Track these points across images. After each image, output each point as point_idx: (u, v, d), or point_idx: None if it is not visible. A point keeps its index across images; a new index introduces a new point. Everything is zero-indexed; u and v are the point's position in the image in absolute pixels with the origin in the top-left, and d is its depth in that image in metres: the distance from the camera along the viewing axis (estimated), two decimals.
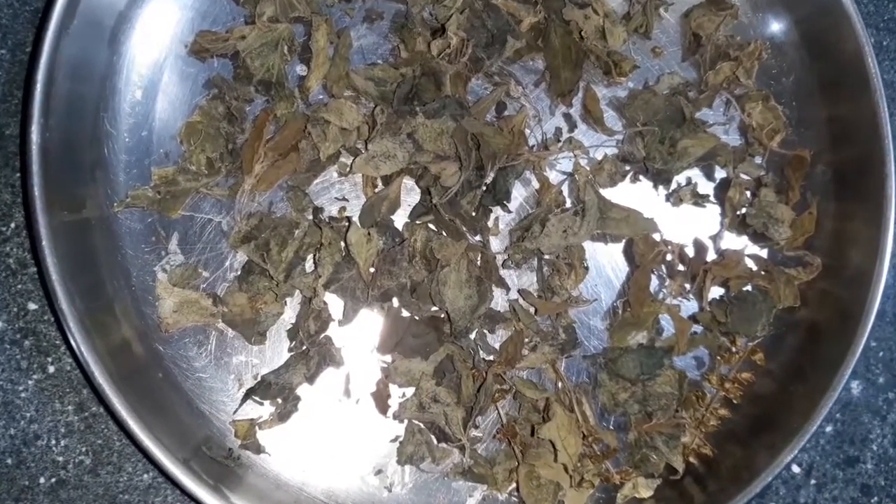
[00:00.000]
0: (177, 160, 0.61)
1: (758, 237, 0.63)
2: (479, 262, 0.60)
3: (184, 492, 0.55)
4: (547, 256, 0.61)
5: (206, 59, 0.62)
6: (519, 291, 0.62)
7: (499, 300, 0.62)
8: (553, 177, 0.63)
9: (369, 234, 0.59)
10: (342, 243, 0.60)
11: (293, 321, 0.61)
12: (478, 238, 0.61)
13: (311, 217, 0.61)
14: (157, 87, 0.62)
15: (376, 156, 0.59)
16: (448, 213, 0.60)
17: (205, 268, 0.61)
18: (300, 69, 0.63)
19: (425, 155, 0.59)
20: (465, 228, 0.60)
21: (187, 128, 0.60)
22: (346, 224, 0.60)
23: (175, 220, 0.61)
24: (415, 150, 0.59)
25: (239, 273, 0.61)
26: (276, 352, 0.61)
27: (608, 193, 0.62)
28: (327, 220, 0.61)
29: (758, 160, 0.64)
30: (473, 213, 0.61)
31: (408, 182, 0.62)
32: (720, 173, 0.64)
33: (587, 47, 0.63)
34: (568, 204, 0.62)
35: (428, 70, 0.61)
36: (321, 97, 0.63)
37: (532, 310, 0.61)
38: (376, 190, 0.62)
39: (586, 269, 0.61)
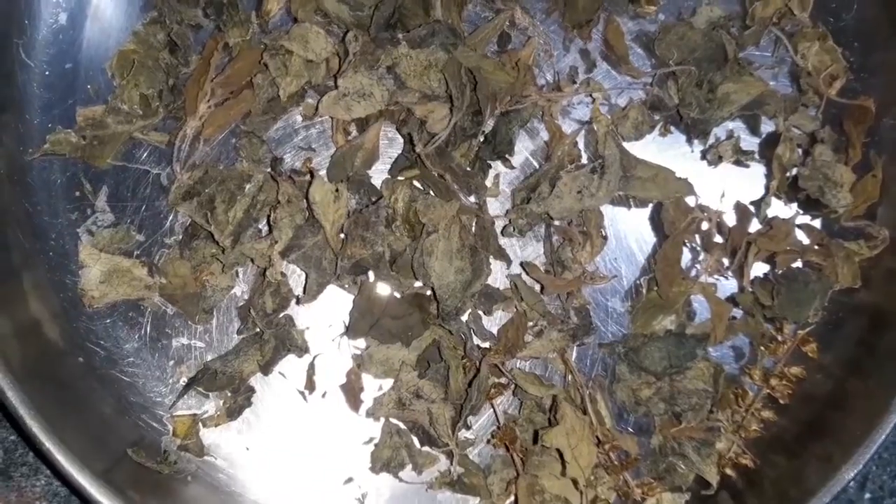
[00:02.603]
0: (108, 99, 0.56)
1: (811, 204, 0.57)
2: (473, 229, 0.54)
3: None
4: (557, 223, 0.56)
5: None
6: (522, 265, 0.56)
7: (497, 275, 0.56)
8: (566, 126, 0.57)
9: (338, 190, 0.52)
10: (304, 202, 0.53)
11: (246, 297, 0.56)
12: (472, 199, 0.55)
13: (268, 169, 0.55)
14: (86, 9, 0.57)
15: (348, 94, 0.53)
16: (436, 167, 0.53)
17: (139, 230, 0.56)
18: None
19: (409, 94, 0.53)
20: (456, 186, 0.54)
21: (119, 58, 0.56)
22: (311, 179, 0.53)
23: (104, 172, 0.56)
24: (396, 88, 0.53)
25: (181, 237, 0.56)
26: (224, 333, 0.57)
27: (633, 148, 0.57)
28: (288, 173, 0.55)
29: (812, 111, 0.58)
30: (468, 168, 0.55)
31: (390, 131, 0.56)
32: (767, 126, 0.58)
33: None
34: (584, 159, 0.57)
35: None
36: (283, 23, 0.57)
37: (538, 287, 0.56)
38: (349, 138, 0.55)
39: (605, 238, 0.56)
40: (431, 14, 0.53)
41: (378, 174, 0.56)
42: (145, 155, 0.56)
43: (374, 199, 0.53)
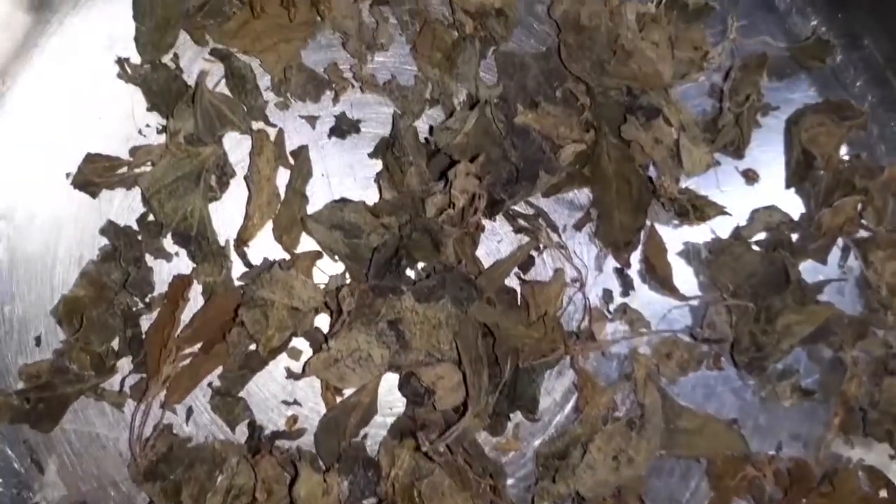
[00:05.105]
0: (59, 346, 0.47)
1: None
2: None
3: None
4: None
5: (98, 195, 0.48)
6: None
7: None
8: (599, 363, 0.49)
9: (326, 481, 0.42)
10: (287, 485, 0.44)
11: None
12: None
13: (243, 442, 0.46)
14: (25, 237, 0.48)
15: (341, 358, 0.44)
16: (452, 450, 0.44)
17: None
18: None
19: (413, 353, 0.44)
20: (470, 466, 0.44)
21: (66, 304, 0.46)
22: (295, 458, 0.45)
23: (53, 437, 0.48)
24: (399, 347, 0.44)
25: None
26: None
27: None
28: (270, 436, 0.46)
29: (884, 334, 0.50)
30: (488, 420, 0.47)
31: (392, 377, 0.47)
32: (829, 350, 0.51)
33: (658, 191, 0.47)
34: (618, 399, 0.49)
35: (421, 226, 0.44)
36: (267, 251, 0.48)
37: None
38: (341, 396, 0.46)
39: None
40: (442, 251, 0.44)
41: (376, 427, 0.46)
42: (98, 416, 0.47)
43: (371, 476, 0.44)
